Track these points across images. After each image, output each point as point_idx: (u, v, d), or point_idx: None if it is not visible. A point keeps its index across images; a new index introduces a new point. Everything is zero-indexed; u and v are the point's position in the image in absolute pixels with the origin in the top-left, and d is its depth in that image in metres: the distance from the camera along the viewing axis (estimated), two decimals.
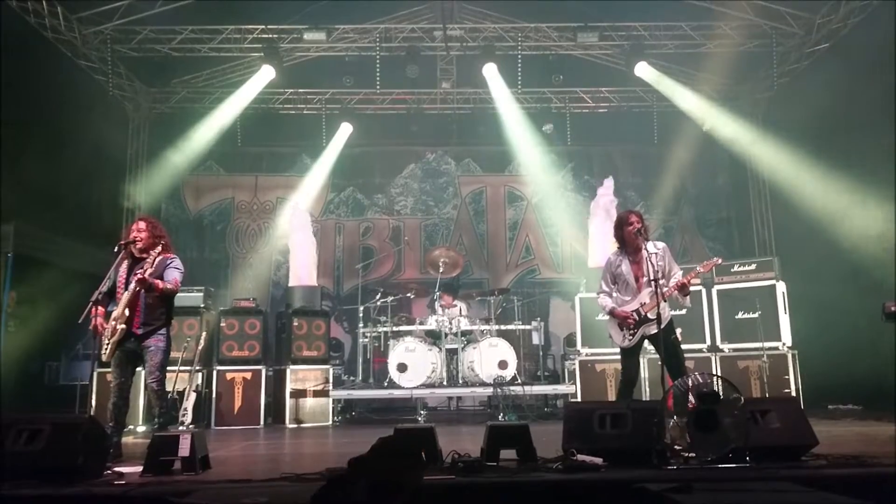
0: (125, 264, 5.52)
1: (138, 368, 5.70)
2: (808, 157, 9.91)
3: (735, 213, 12.94)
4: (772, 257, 9.46)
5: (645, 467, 4.21)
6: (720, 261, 6.28)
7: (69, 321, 5.99)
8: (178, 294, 5.73)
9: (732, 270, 9.05)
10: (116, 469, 4.48)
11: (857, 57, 9.06)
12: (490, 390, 8.61)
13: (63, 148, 9.51)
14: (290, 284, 10.13)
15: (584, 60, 11.56)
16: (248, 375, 8.71)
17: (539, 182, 12.90)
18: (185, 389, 7.67)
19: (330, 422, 8.75)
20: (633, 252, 5.76)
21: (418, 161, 13.23)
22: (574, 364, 9.04)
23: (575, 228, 12.37)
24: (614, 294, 5.86)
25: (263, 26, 10.49)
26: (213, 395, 8.57)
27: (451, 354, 9.26)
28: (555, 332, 11.80)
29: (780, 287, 8.66)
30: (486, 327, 9.31)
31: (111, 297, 5.47)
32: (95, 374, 7.79)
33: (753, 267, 9.00)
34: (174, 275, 5.56)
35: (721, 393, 4.62)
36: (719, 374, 7.53)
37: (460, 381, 9.00)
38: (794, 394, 8.13)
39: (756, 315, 8.49)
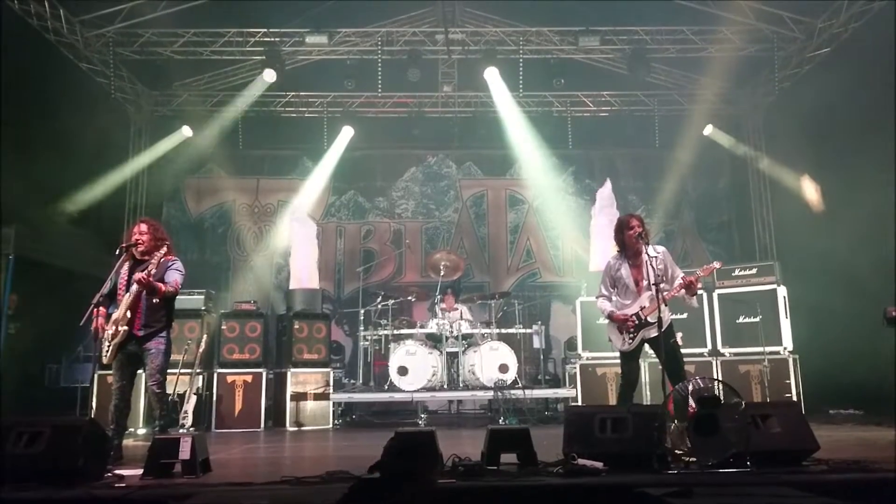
0: (126, 266, 5.52)
1: (139, 371, 5.70)
2: (809, 162, 9.91)
3: (736, 217, 12.93)
4: (773, 261, 9.45)
5: (645, 472, 4.21)
6: (720, 265, 6.27)
7: (70, 323, 6.01)
8: (178, 297, 5.74)
9: (733, 274, 9.05)
10: (117, 471, 4.48)
11: (858, 61, 9.06)
12: (491, 394, 8.62)
13: (65, 150, 9.51)
14: (291, 287, 10.14)
15: (585, 64, 11.57)
16: (249, 378, 8.71)
17: (540, 185, 12.91)
18: (185, 392, 7.67)
19: (330, 425, 8.75)
20: (634, 256, 5.75)
21: (419, 164, 13.24)
22: (575, 368, 9.03)
23: (576, 232, 12.37)
24: (614, 298, 5.86)
25: (265, 30, 10.51)
26: (214, 398, 8.57)
27: (452, 358, 9.25)
28: (556, 336, 11.79)
29: (781, 291, 8.66)
30: (487, 331, 9.31)
31: (112, 299, 5.47)
32: (96, 377, 7.79)
33: (754, 271, 8.99)
34: (175, 276, 5.56)
35: (722, 397, 4.61)
36: (720, 378, 7.53)
37: (461, 385, 8.99)
38: (794, 398, 8.12)
39: (757, 319, 8.49)
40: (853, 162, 8.94)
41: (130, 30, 10.05)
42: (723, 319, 8.91)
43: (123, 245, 5.57)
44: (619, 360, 6.00)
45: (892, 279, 7.65)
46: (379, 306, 9.73)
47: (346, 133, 12.27)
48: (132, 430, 7.69)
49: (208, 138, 11.85)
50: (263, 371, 8.82)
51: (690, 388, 4.68)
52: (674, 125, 12.08)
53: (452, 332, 9.10)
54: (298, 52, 11.14)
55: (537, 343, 10.14)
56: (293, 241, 10.42)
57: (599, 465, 4.23)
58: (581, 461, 4.24)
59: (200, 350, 7.98)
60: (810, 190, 10.26)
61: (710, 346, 8.88)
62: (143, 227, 5.66)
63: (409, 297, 10.19)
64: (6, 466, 4.11)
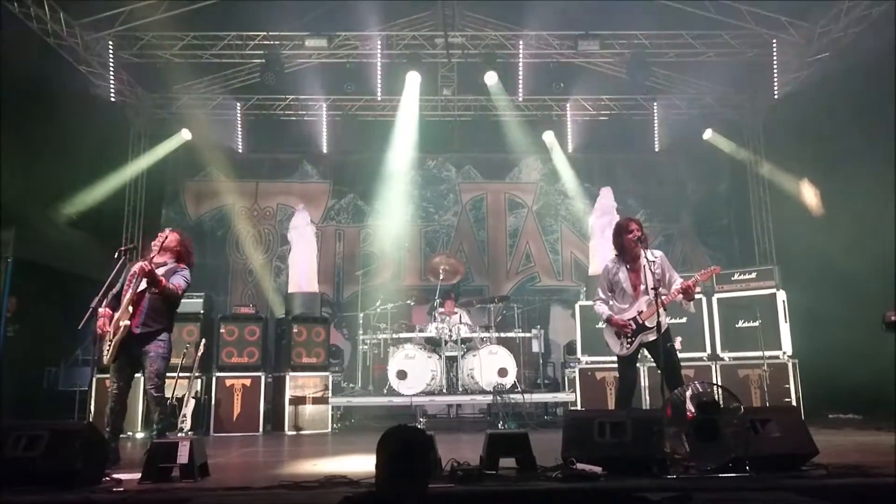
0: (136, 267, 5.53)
1: (137, 375, 5.68)
2: (808, 166, 9.92)
3: (735, 222, 12.94)
4: (772, 266, 9.45)
5: (644, 476, 4.20)
6: (719, 270, 6.26)
7: (68, 326, 6.00)
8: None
9: (733, 279, 9.05)
10: (115, 476, 4.47)
11: (858, 66, 9.07)
12: (489, 398, 8.60)
13: (64, 153, 9.52)
14: (290, 291, 10.11)
15: (585, 68, 11.59)
16: (248, 382, 8.69)
17: (540, 189, 12.91)
18: (184, 396, 7.64)
19: (329, 429, 8.72)
20: (632, 260, 5.73)
21: (419, 168, 13.25)
22: (574, 372, 9.02)
23: (575, 236, 12.38)
24: (611, 302, 5.85)
25: (265, 33, 10.52)
26: (212, 402, 8.55)
27: (451, 362, 9.24)
28: (555, 340, 11.79)
29: (781, 296, 8.65)
30: (486, 335, 9.31)
31: (118, 300, 5.46)
32: (94, 380, 7.78)
33: (754, 275, 8.99)
34: (179, 281, 5.54)
35: (721, 402, 4.60)
36: (719, 382, 7.53)
37: (460, 389, 8.98)
38: (794, 403, 8.11)
39: (756, 324, 8.47)
40: (852, 166, 8.97)
41: (130, 33, 10.06)
42: (722, 324, 8.91)
43: (123, 248, 5.57)
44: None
45: (892, 284, 7.65)
46: (378, 310, 9.71)
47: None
48: (130, 433, 7.67)
49: (208, 141, 11.85)
50: (262, 375, 8.80)
51: (690, 392, 4.68)
52: (673, 129, 12.09)
53: (451, 335, 9.10)
54: (298, 55, 11.15)
55: (536, 347, 10.15)
56: (292, 244, 10.41)
57: (598, 469, 4.22)
58: (580, 466, 4.23)
59: (199, 353, 7.96)
60: (810, 194, 10.27)
61: (709, 350, 8.87)
62: (176, 235, 5.67)
63: (409, 301, 10.19)
64: (4, 470, 4.09)
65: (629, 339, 5.66)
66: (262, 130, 12.43)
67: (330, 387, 8.94)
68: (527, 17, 10.53)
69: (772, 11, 9.76)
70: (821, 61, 10.09)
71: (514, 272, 13.04)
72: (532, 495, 3.92)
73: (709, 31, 10.26)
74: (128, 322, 5.27)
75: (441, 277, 9.67)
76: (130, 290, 5.34)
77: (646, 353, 5.95)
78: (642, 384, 8.26)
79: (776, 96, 10.78)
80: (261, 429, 8.58)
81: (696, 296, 5.79)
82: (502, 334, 9.50)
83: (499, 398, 8.42)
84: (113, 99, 10.83)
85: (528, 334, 9.90)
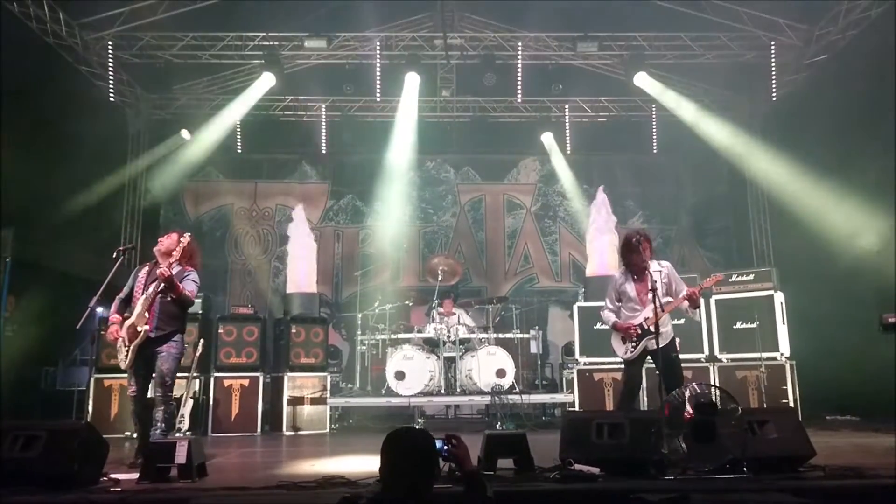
0: (144, 271, 5.53)
1: (153, 374, 5.66)
2: (806, 168, 9.93)
3: (733, 223, 12.94)
4: (770, 267, 9.46)
5: (642, 478, 4.21)
6: (721, 277, 6.28)
7: (67, 326, 5.99)
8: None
9: (731, 280, 9.04)
10: (112, 476, 4.47)
11: (856, 69, 9.09)
12: (488, 399, 8.60)
13: (63, 153, 9.51)
14: (289, 291, 10.12)
15: (583, 70, 11.60)
16: (246, 382, 8.68)
17: (538, 190, 12.93)
18: (182, 396, 7.63)
19: (327, 429, 8.73)
20: (639, 272, 5.78)
21: (418, 169, 13.25)
22: (572, 373, 9.01)
23: (574, 237, 12.39)
24: (622, 311, 5.88)
25: (264, 33, 10.53)
26: (211, 402, 8.54)
27: (450, 362, 9.25)
28: (553, 341, 11.80)
29: (779, 297, 8.65)
30: (485, 335, 9.31)
31: (127, 304, 5.46)
32: (93, 381, 7.77)
33: (752, 277, 8.99)
34: (192, 287, 5.54)
35: (719, 403, 4.61)
36: (717, 384, 7.53)
37: (458, 390, 8.98)
38: (791, 404, 8.10)
39: (754, 325, 8.48)
40: (851, 168, 8.97)
41: (129, 33, 10.07)
42: (720, 325, 8.91)
43: (121, 248, 5.57)
44: (616, 366, 6.01)
45: (891, 285, 7.67)
46: (376, 310, 9.71)
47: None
48: (128, 433, 7.66)
49: (207, 142, 11.85)
50: (260, 375, 8.79)
51: (687, 394, 4.68)
52: (672, 131, 12.10)
53: (450, 336, 9.10)
54: (297, 56, 11.16)
55: (535, 348, 10.14)
56: (291, 244, 10.41)
57: (596, 470, 4.23)
58: (578, 467, 4.24)
59: (197, 354, 7.95)
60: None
61: (707, 351, 8.88)
62: (187, 238, 5.65)
63: (407, 302, 10.19)
64: (2, 470, 4.09)
65: (634, 344, 5.68)
66: (261, 131, 12.42)
67: (328, 387, 8.94)
68: (525, 18, 10.55)
69: (770, 14, 9.78)
70: (819, 64, 10.12)
71: (512, 273, 13.05)
72: (530, 496, 3.93)
73: (707, 33, 10.29)
74: (146, 327, 5.28)
75: (439, 278, 9.68)
76: (145, 295, 5.34)
77: (650, 357, 5.97)
78: (642, 385, 8.24)
79: (774, 98, 10.80)
80: (259, 429, 8.58)
81: (700, 304, 5.82)
82: (500, 335, 9.50)
83: (497, 399, 8.42)
84: (112, 99, 10.84)
85: (526, 335, 9.90)
